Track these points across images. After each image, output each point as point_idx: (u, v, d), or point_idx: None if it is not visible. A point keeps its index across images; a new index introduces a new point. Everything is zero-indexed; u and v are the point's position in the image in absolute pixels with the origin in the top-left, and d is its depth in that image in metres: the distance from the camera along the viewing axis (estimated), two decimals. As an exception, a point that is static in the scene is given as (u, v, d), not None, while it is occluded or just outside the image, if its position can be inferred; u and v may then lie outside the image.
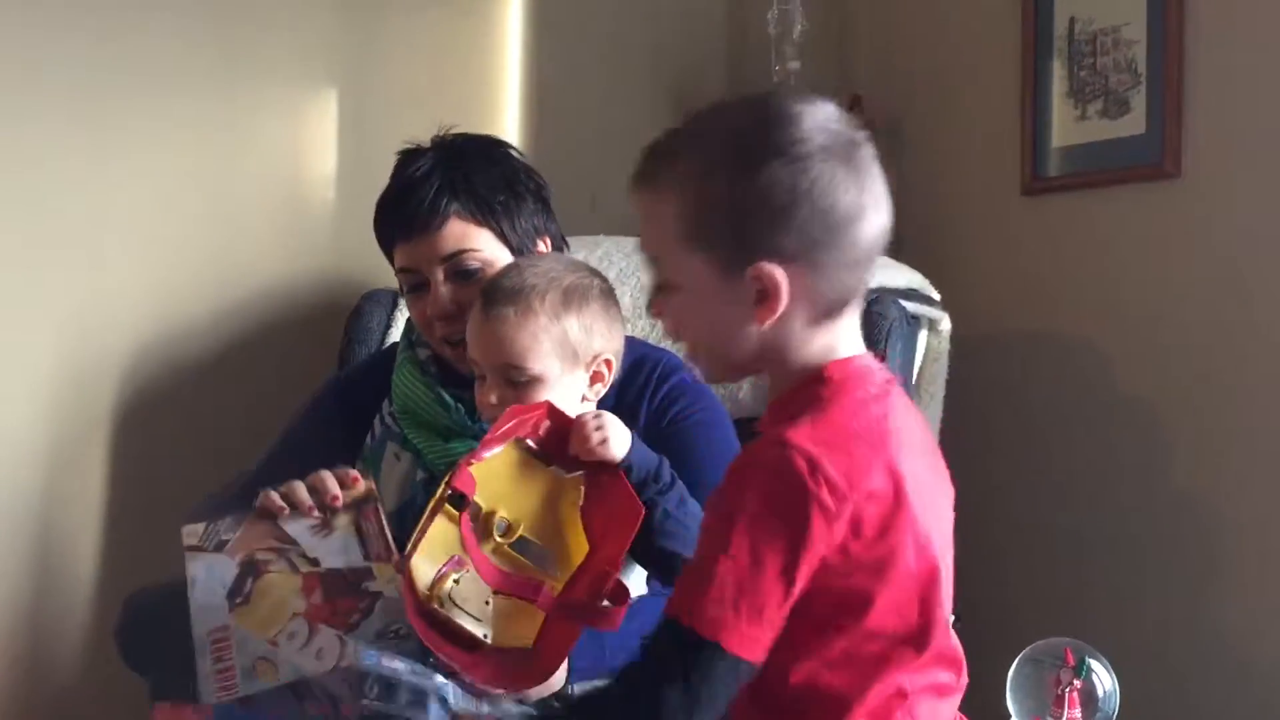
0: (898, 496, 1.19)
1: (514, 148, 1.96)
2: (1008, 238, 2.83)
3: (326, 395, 2.02)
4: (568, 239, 2.02)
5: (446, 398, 1.81)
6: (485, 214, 1.81)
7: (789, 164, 1.20)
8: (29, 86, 2.40)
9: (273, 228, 2.64)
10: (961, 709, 1.27)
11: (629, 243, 2.38)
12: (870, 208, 1.24)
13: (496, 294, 1.64)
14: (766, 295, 1.22)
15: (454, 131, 1.90)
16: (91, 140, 2.46)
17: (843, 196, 1.21)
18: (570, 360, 1.65)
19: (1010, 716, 1.62)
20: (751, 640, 1.16)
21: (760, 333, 1.24)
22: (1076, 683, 1.59)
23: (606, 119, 3.00)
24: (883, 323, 2.18)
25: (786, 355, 1.26)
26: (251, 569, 1.54)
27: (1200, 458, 2.46)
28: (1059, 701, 1.58)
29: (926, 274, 2.55)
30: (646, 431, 1.70)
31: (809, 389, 1.24)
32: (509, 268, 1.72)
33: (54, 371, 2.47)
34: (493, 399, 1.66)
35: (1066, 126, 2.67)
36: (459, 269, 1.80)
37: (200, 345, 2.58)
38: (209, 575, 1.54)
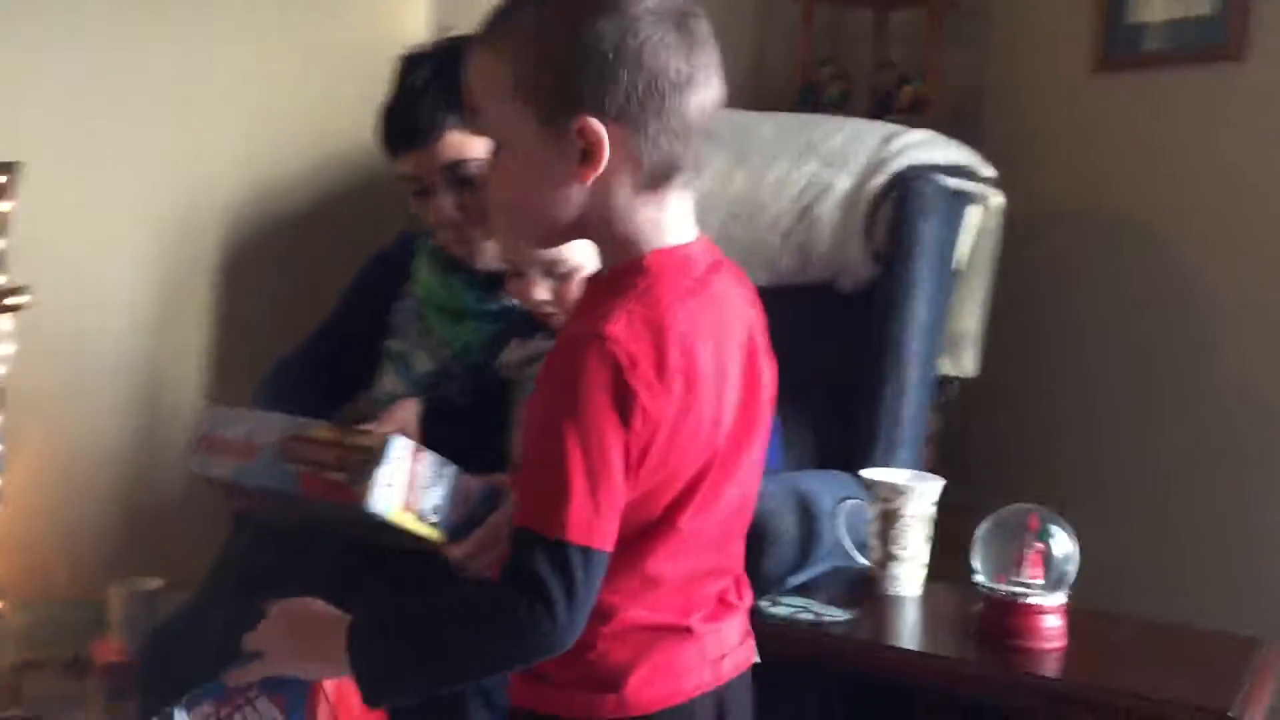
0: (696, 388, 1.22)
1: None
2: (1077, 115, 2.85)
3: (365, 275, 2.18)
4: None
5: (454, 284, 1.94)
6: None
7: (618, 21, 1.20)
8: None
9: (362, 88, 2.75)
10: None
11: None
12: (699, 79, 1.23)
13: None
14: (590, 152, 1.21)
15: (454, 33, 1.92)
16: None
17: (671, 61, 1.21)
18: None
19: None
20: (610, 535, 1.19)
21: (583, 193, 1.23)
22: (1038, 545, 1.69)
23: None
24: (918, 199, 2.25)
25: (611, 224, 1.25)
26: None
27: (1253, 345, 2.50)
28: (1021, 561, 1.69)
29: (999, 149, 2.57)
30: None
31: (628, 277, 1.24)
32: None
33: (161, 226, 2.71)
34: (541, 294, 1.72)
35: (1140, 5, 2.67)
36: (458, 177, 1.88)
37: (292, 200, 2.78)
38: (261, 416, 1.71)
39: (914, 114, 3.01)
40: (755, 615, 1.40)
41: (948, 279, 2.40)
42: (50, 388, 2.62)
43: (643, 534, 1.24)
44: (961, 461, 2.58)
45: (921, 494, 1.86)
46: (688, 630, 1.28)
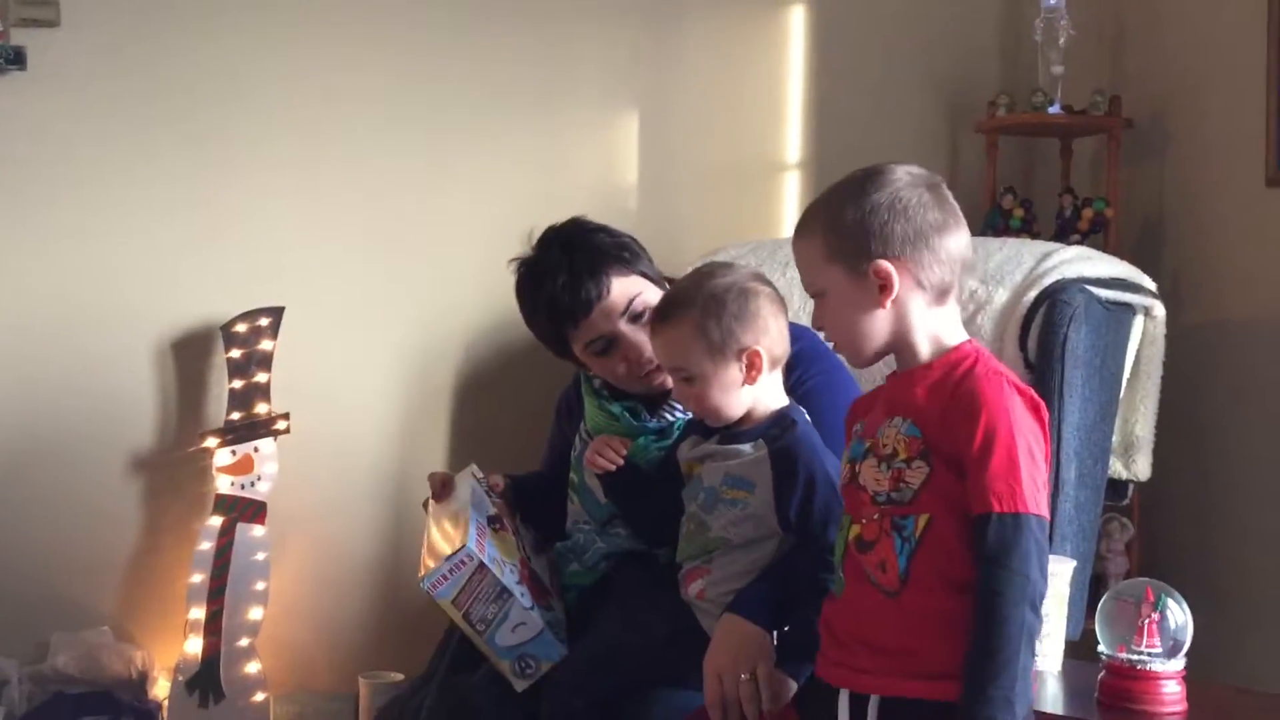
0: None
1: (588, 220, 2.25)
2: (1252, 227, 2.97)
3: (558, 409, 2.44)
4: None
5: (614, 410, 2.18)
6: (627, 264, 2.15)
7: (883, 194, 1.67)
8: (383, 122, 3.07)
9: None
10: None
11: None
12: (950, 224, 1.68)
13: (658, 312, 1.98)
14: (885, 284, 1.66)
15: (541, 230, 2.22)
16: (433, 159, 3.10)
17: (927, 214, 1.67)
18: (717, 356, 1.90)
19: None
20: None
21: (885, 315, 1.68)
22: (1153, 615, 1.83)
23: (883, 129, 3.34)
24: (1064, 309, 2.42)
25: (909, 333, 1.68)
26: (498, 520, 2.15)
27: None
28: (1139, 631, 1.83)
29: (1176, 261, 2.65)
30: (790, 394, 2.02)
31: (959, 363, 1.66)
32: (671, 290, 2.02)
33: (404, 356, 3.12)
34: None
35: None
36: (635, 314, 2.13)
37: (521, 333, 3.10)
38: (477, 495, 2.16)
39: (1094, 234, 3.18)
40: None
41: (1109, 385, 2.54)
42: (308, 502, 3.01)
43: None
44: (1168, 570, 2.67)
45: (1053, 575, 2.01)
46: None
